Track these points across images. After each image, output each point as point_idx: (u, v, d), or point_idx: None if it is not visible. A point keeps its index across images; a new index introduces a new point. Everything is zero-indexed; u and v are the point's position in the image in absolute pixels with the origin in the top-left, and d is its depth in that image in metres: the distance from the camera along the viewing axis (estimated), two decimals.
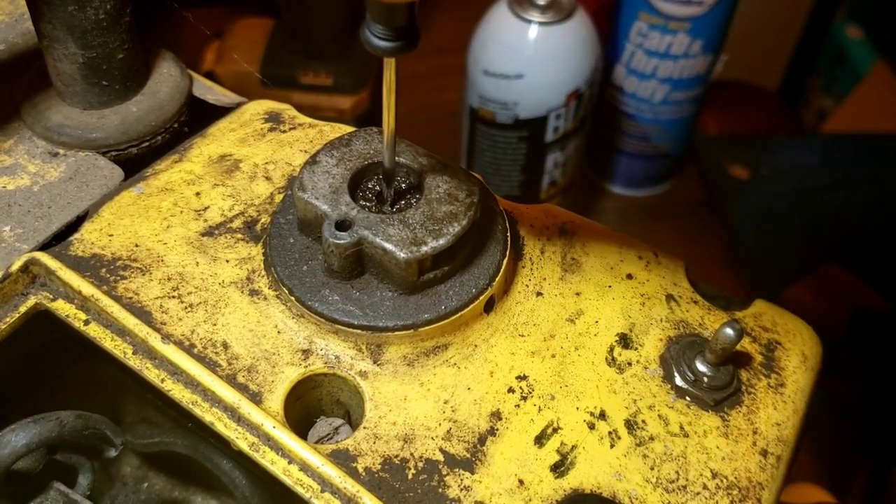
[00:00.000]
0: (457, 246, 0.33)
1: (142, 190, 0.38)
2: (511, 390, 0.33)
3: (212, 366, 0.32)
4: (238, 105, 0.44)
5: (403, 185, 0.36)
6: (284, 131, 0.42)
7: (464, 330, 0.34)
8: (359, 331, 0.33)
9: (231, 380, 0.32)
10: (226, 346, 0.33)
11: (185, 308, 0.34)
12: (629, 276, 0.38)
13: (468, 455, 0.31)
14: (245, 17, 0.94)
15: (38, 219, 0.37)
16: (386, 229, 0.33)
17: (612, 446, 0.32)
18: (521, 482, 0.31)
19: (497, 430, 0.32)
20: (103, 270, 0.35)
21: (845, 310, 0.82)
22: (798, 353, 0.36)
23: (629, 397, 0.34)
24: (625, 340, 0.36)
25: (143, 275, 0.35)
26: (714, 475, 0.32)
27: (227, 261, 0.36)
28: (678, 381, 0.34)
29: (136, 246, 0.36)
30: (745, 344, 0.36)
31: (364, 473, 0.30)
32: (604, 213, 0.94)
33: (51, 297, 0.34)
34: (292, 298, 0.33)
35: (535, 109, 0.75)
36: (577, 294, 0.37)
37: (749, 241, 0.89)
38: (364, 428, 0.32)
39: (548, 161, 0.80)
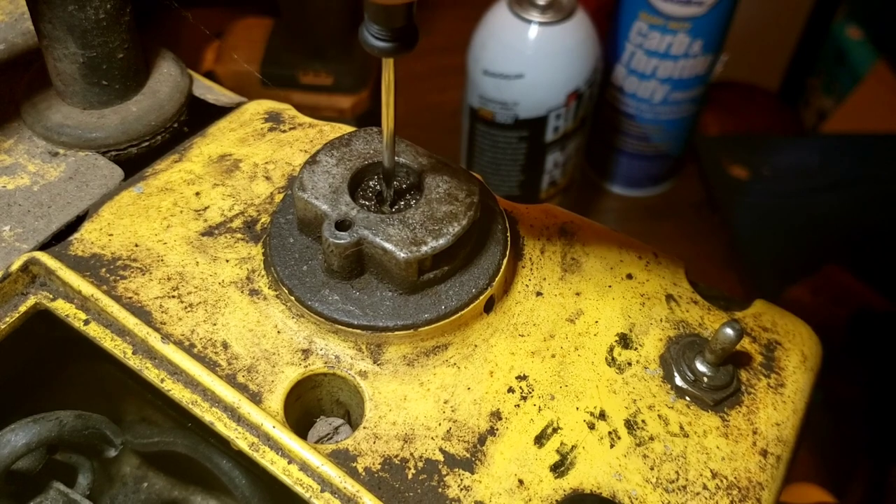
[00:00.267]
0: (457, 246, 0.33)
1: (142, 190, 0.38)
2: (511, 390, 0.33)
3: (211, 365, 0.32)
4: (238, 105, 0.44)
5: (403, 184, 0.36)
6: (284, 131, 0.42)
7: (464, 330, 0.34)
8: (359, 331, 0.33)
9: (231, 379, 0.32)
10: (225, 345, 0.33)
11: (185, 308, 0.34)
12: (629, 276, 0.38)
13: (468, 455, 0.31)
14: (245, 16, 0.94)
15: (38, 218, 0.37)
16: (386, 229, 0.33)
17: (611, 446, 0.32)
18: (520, 482, 0.31)
19: (497, 429, 0.32)
20: (103, 270, 0.35)
21: (845, 310, 0.82)
22: (798, 354, 0.36)
23: (629, 397, 0.34)
24: (625, 340, 0.36)
25: (143, 274, 0.35)
26: (714, 475, 0.32)
27: (227, 260, 0.36)
28: (678, 381, 0.34)
29: (136, 246, 0.36)
30: (745, 344, 0.36)
31: (364, 473, 0.30)
32: (604, 213, 0.94)
33: (50, 296, 0.34)
34: (292, 298, 0.33)
35: (535, 109, 0.75)
36: (577, 294, 0.37)
37: (749, 241, 0.89)
38: (364, 428, 0.32)
39: (548, 161, 0.80)
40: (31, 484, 0.34)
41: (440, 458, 0.31)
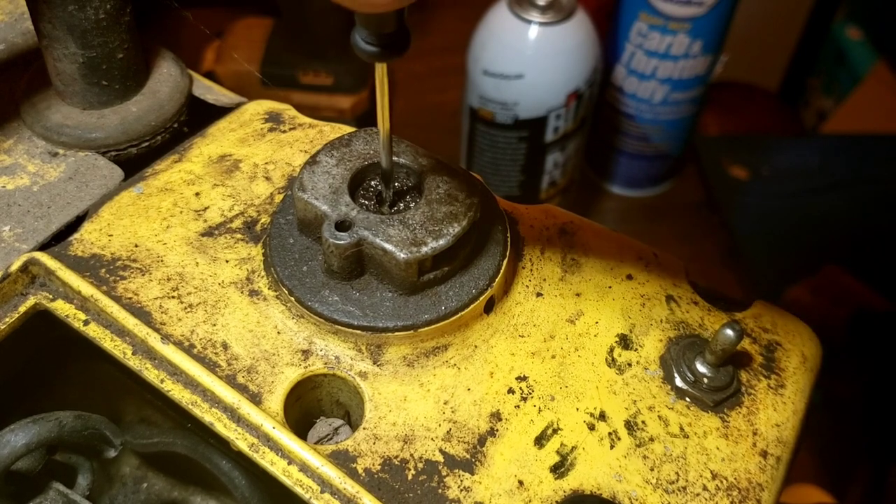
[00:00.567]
0: (457, 246, 0.33)
1: (141, 190, 0.38)
2: (511, 391, 0.33)
3: (211, 366, 0.32)
4: (238, 105, 0.44)
5: (403, 185, 0.36)
6: (284, 131, 0.42)
7: (464, 331, 0.34)
8: (359, 331, 0.33)
9: (231, 380, 0.32)
10: (225, 346, 0.33)
11: (185, 308, 0.34)
12: (629, 277, 0.38)
13: (468, 456, 0.31)
14: (245, 16, 0.94)
15: (38, 219, 0.37)
16: (386, 230, 0.33)
17: (611, 447, 0.32)
18: (520, 483, 0.31)
19: (497, 430, 0.32)
20: (103, 270, 0.35)
21: (845, 310, 0.82)
22: (798, 354, 0.36)
23: (629, 398, 0.34)
24: (625, 341, 0.36)
25: (143, 275, 0.35)
26: (714, 476, 0.32)
27: (227, 261, 0.36)
28: (678, 381, 0.34)
29: (136, 246, 0.36)
30: (745, 345, 0.36)
31: (364, 474, 0.30)
32: (604, 213, 0.94)
33: (50, 297, 0.34)
34: (292, 299, 0.33)
35: (535, 109, 0.75)
36: (577, 295, 0.37)
37: (749, 241, 0.89)
38: (364, 428, 0.32)
39: (548, 161, 0.80)
40: (30, 484, 0.34)
41: (440, 458, 0.31)
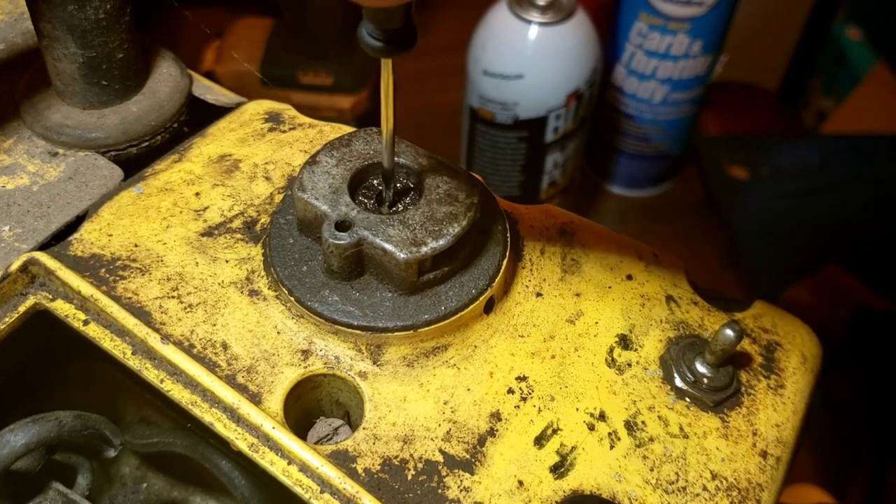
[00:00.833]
0: (457, 247, 0.33)
1: (141, 190, 0.38)
2: (511, 391, 0.33)
3: (211, 366, 0.32)
4: (238, 105, 0.44)
5: (403, 185, 0.36)
6: (284, 131, 0.42)
7: (463, 331, 0.34)
8: (358, 331, 0.33)
9: (230, 380, 0.32)
10: (225, 346, 0.33)
11: (185, 308, 0.34)
12: (629, 277, 0.38)
13: (468, 456, 0.31)
14: (245, 16, 0.94)
15: (38, 218, 0.37)
16: (386, 230, 0.33)
17: (611, 447, 0.32)
18: (520, 483, 0.31)
19: (497, 430, 0.32)
20: (102, 270, 0.35)
21: (845, 311, 0.82)
22: (798, 355, 0.36)
23: (629, 398, 0.34)
24: (625, 341, 0.36)
25: (143, 275, 0.35)
26: (714, 476, 0.32)
27: (227, 261, 0.36)
28: (678, 382, 0.34)
29: (136, 246, 0.36)
30: (745, 345, 0.36)
31: (363, 474, 0.30)
32: (604, 213, 0.94)
33: (50, 297, 0.34)
34: (292, 299, 0.33)
35: (534, 110, 0.75)
36: (577, 295, 0.37)
37: (749, 241, 0.89)
38: (363, 429, 0.32)
39: (547, 161, 0.80)
40: (30, 484, 0.34)
41: (440, 459, 0.31)
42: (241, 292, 0.35)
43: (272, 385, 0.32)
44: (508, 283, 0.36)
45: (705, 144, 0.99)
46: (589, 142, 0.87)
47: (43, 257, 0.34)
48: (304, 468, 0.30)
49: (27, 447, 0.31)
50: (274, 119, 0.43)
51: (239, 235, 0.37)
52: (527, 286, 0.37)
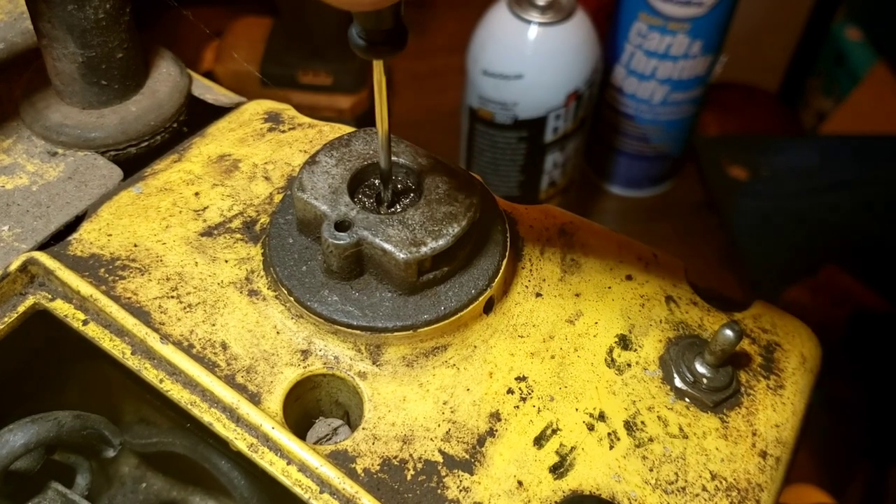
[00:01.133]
0: (456, 247, 0.33)
1: (141, 190, 0.38)
2: (510, 391, 0.33)
3: (210, 366, 0.32)
4: (237, 105, 0.44)
5: (403, 185, 0.36)
6: (284, 131, 0.42)
7: (463, 331, 0.34)
8: (358, 331, 0.33)
9: (230, 380, 0.32)
10: (224, 346, 0.33)
11: (184, 308, 0.34)
12: (629, 277, 0.38)
13: (467, 456, 0.31)
14: (244, 16, 0.94)
15: (37, 218, 0.37)
16: (385, 230, 0.33)
17: (611, 447, 0.32)
18: (520, 483, 0.31)
19: (496, 431, 0.32)
20: (102, 270, 0.35)
21: (845, 311, 0.82)
22: (797, 355, 0.36)
23: (628, 398, 0.34)
24: (624, 342, 0.36)
25: (142, 275, 0.35)
26: (713, 476, 0.32)
27: (226, 261, 0.36)
28: (677, 382, 0.34)
29: (135, 246, 0.36)
30: (745, 345, 0.36)
31: (363, 474, 0.30)
32: (603, 213, 0.94)
33: (49, 296, 0.34)
34: (291, 299, 0.33)
35: (534, 110, 0.75)
36: (577, 295, 0.37)
37: (748, 242, 0.89)
38: (363, 429, 0.32)
39: (547, 161, 0.80)
40: (29, 484, 0.34)
41: (439, 459, 0.31)
42: (241, 292, 0.35)
43: (271, 385, 0.32)
44: (508, 283, 0.36)
45: (705, 145, 0.99)
46: (589, 142, 0.87)
47: (42, 257, 0.34)
48: (304, 468, 0.30)
49: (26, 447, 0.31)
50: (273, 119, 0.43)
51: (238, 235, 0.37)
52: (526, 286, 0.37)
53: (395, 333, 0.33)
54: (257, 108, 0.43)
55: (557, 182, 0.83)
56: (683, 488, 0.31)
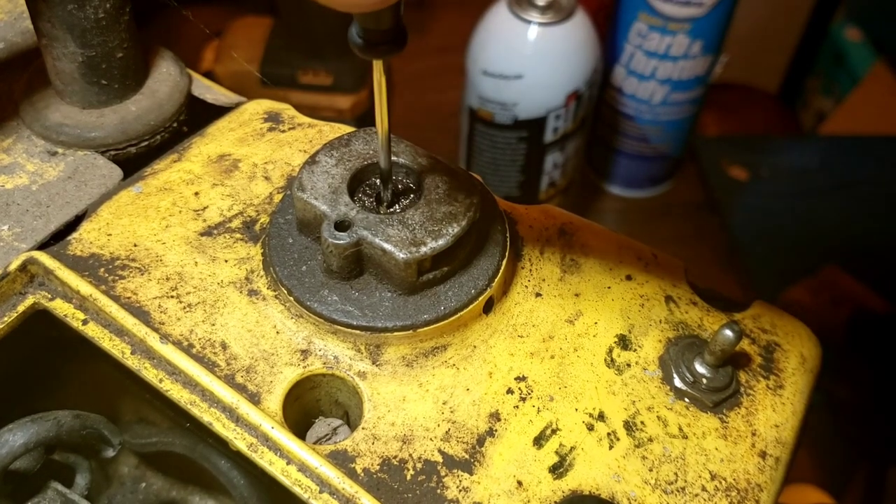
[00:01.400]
0: (456, 247, 0.33)
1: (140, 189, 0.38)
2: (510, 391, 0.33)
3: (210, 366, 0.32)
4: (237, 104, 0.44)
5: (403, 185, 0.36)
6: (284, 131, 0.42)
7: (463, 331, 0.34)
8: (358, 331, 0.33)
9: (229, 380, 0.32)
10: (224, 346, 0.33)
11: (184, 308, 0.34)
12: (628, 278, 0.38)
13: (467, 456, 0.31)
14: (244, 15, 0.94)
15: (37, 218, 0.37)
16: (385, 230, 0.33)
17: (610, 447, 0.32)
18: (519, 483, 0.31)
19: (496, 431, 0.32)
20: (102, 270, 0.35)
21: (844, 311, 0.82)
22: (797, 355, 0.36)
23: (628, 398, 0.34)
24: (624, 342, 0.36)
25: (142, 274, 0.35)
26: (713, 476, 0.32)
27: (226, 261, 0.36)
28: (677, 382, 0.34)
29: (135, 245, 0.36)
30: (744, 345, 0.36)
31: (362, 474, 0.30)
32: (603, 213, 0.94)
33: (49, 296, 0.34)
34: (291, 298, 0.33)
35: (534, 110, 0.75)
36: (577, 295, 0.37)
37: (748, 242, 0.89)
38: (363, 428, 0.32)
39: (547, 162, 0.80)
40: (28, 484, 0.34)
41: (439, 459, 0.31)
42: (241, 292, 0.35)
43: (271, 385, 0.32)
44: (508, 283, 0.36)
45: (705, 145, 0.99)
46: (588, 142, 0.87)
47: (42, 257, 0.34)
48: (303, 468, 0.30)
49: (26, 447, 0.31)
50: (273, 119, 0.43)
51: (238, 235, 0.37)
52: (526, 286, 0.37)
53: (395, 333, 0.33)
54: (257, 107, 0.43)
55: (557, 182, 0.83)
56: (683, 488, 0.31)
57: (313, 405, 0.34)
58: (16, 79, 0.42)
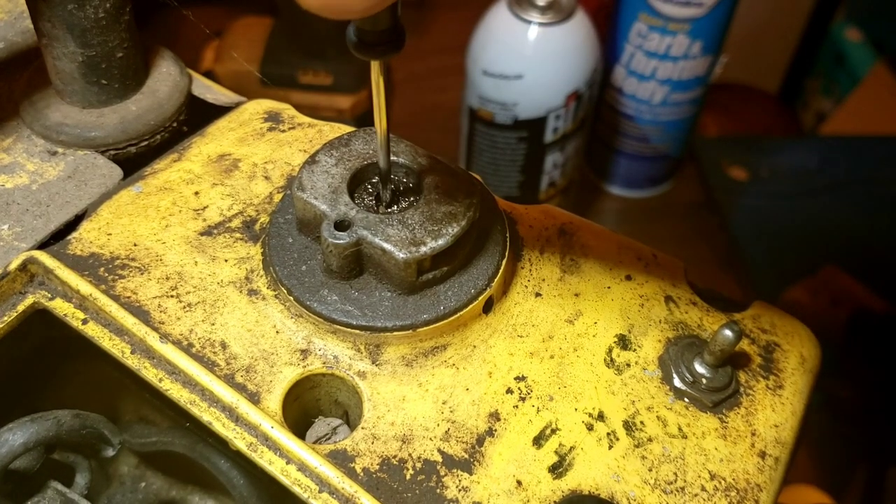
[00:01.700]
0: (456, 246, 0.33)
1: (140, 189, 0.38)
2: (509, 391, 0.33)
3: (210, 365, 0.32)
4: (237, 104, 0.44)
5: (402, 185, 0.36)
6: (283, 131, 0.42)
7: (462, 330, 0.34)
8: (357, 331, 0.33)
9: (229, 379, 0.32)
10: (224, 345, 0.33)
11: (184, 307, 0.34)
12: (628, 278, 0.38)
13: (466, 456, 0.31)
14: (244, 15, 0.94)
15: (37, 217, 0.37)
16: (385, 229, 0.33)
17: (610, 447, 0.32)
18: (519, 483, 0.31)
19: (495, 430, 0.32)
20: (101, 269, 0.35)
21: (844, 311, 0.83)
22: (797, 355, 0.36)
23: (627, 398, 0.34)
24: (623, 342, 0.36)
25: (142, 274, 0.35)
26: (712, 476, 0.32)
27: (226, 260, 0.36)
28: (677, 382, 0.34)
29: (135, 245, 0.36)
30: (744, 345, 0.36)
31: (362, 474, 0.30)
32: (603, 213, 0.94)
33: (49, 295, 0.34)
34: (291, 298, 0.33)
35: (534, 110, 0.75)
36: (576, 295, 0.37)
37: (748, 242, 0.89)
38: (362, 428, 0.32)
39: (547, 162, 0.80)
40: (28, 483, 0.34)
41: (438, 458, 0.31)
42: (240, 291, 0.35)
43: (271, 384, 0.32)
44: (507, 283, 0.36)
45: (705, 145, 0.99)
46: (588, 142, 0.87)
47: (42, 256, 0.34)
48: (303, 468, 0.30)
49: (26, 446, 0.31)
50: (273, 118, 0.43)
51: (238, 235, 0.37)
52: (526, 286, 0.37)
53: (395, 333, 0.33)
54: (257, 107, 0.43)
55: (557, 182, 0.83)
56: (682, 488, 0.31)
57: (313, 405, 0.34)
58: (16, 78, 0.42)
